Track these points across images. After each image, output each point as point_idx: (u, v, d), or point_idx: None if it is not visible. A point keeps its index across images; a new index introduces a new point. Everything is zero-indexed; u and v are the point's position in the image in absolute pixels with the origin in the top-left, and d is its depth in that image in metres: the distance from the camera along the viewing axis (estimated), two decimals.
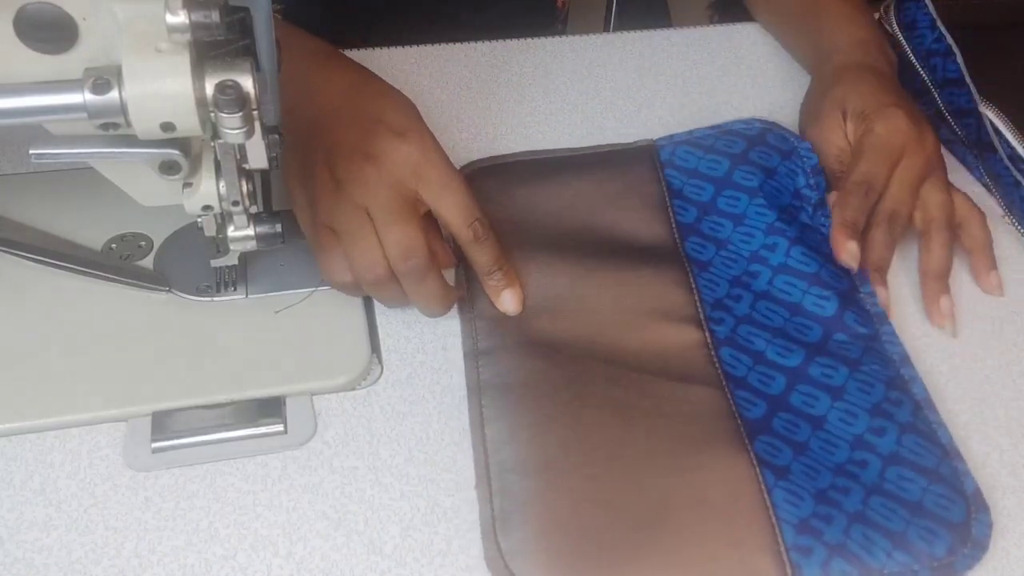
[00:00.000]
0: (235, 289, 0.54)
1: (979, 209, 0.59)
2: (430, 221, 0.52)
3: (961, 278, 0.58)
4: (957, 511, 0.45)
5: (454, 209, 0.51)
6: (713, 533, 0.44)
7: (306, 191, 0.52)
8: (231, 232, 0.50)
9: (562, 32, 0.89)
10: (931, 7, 0.65)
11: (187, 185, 0.47)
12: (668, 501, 0.45)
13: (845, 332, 0.52)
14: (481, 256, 0.52)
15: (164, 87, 0.39)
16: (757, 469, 0.46)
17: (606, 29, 1.00)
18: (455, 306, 0.54)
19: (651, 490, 0.45)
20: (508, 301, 0.53)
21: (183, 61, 0.39)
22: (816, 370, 0.50)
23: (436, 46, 0.71)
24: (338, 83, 0.53)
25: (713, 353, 0.51)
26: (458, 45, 0.72)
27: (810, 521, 0.44)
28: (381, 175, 0.49)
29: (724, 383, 0.50)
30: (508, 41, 0.74)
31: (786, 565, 0.43)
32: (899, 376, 0.50)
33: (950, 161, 0.66)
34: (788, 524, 0.44)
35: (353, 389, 0.51)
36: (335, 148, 0.51)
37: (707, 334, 0.52)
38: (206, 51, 0.41)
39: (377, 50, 0.71)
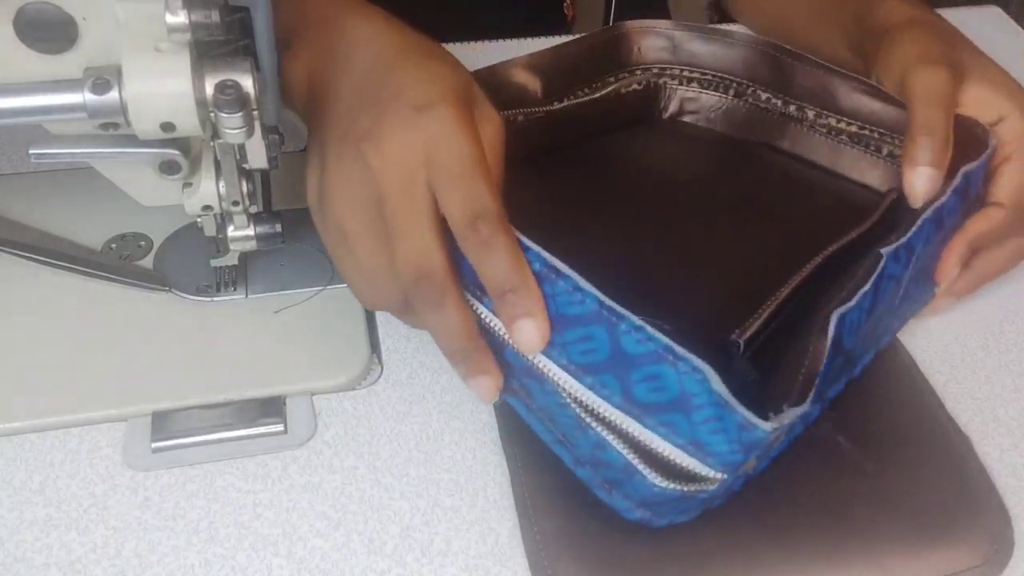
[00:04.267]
0: (235, 289, 0.54)
1: None
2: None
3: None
4: None
5: (459, 201, 0.39)
6: None
7: (318, 185, 0.44)
8: (231, 232, 0.50)
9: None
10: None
11: (187, 185, 0.47)
12: None
13: None
14: (487, 267, 0.39)
15: (164, 87, 0.39)
16: None
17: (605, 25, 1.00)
18: None
19: None
20: (526, 333, 0.38)
21: (183, 61, 0.39)
22: None
23: None
24: (373, 48, 0.44)
25: None
26: (458, 45, 0.72)
27: None
28: (385, 167, 0.40)
29: None
30: (508, 41, 0.74)
31: None
32: None
33: None
34: None
35: (353, 389, 0.51)
36: (341, 134, 0.42)
37: None
38: (206, 51, 0.41)
39: None
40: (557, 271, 0.39)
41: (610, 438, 0.39)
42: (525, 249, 0.40)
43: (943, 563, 0.43)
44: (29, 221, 0.57)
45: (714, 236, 0.58)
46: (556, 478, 0.45)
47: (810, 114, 0.62)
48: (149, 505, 0.45)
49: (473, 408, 0.50)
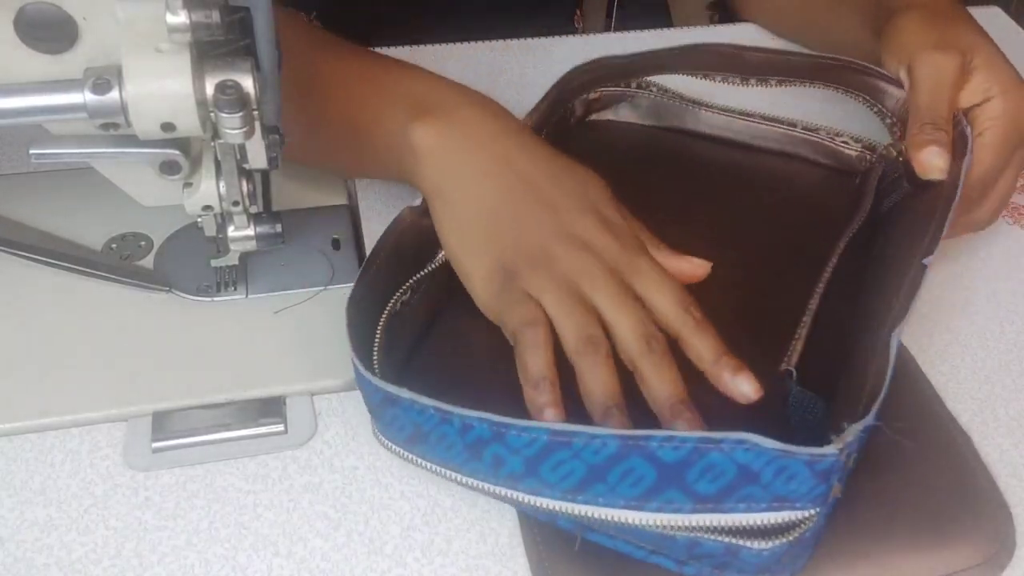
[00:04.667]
0: (235, 289, 0.54)
1: None
2: None
3: (963, 278, 0.58)
4: None
5: (670, 295, 0.48)
6: None
7: (492, 259, 0.50)
8: (231, 232, 0.50)
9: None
10: None
11: (187, 185, 0.47)
12: None
13: None
14: (704, 343, 0.47)
15: (164, 87, 0.39)
16: None
17: (607, 28, 1.00)
18: None
19: None
20: (746, 384, 0.46)
21: (183, 61, 0.39)
22: None
23: (438, 46, 0.71)
24: (539, 155, 0.52)
25: None
26: (459, 45, 0.72)
27: None
28: (600, 262, 0.48)
29: None
30: (510, 41, 0.74)
31: None
32: None
33: None
34: None
35: (353, 389, 0.51)
36: (544, 226, 0.50)
37: None
38: (206, 51, 0.41)
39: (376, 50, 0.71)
40: (568, 432, 0.38)
41: (699, 535, 0.39)
42: (524, 430, 0.39)
43: (944, 562, 0.43)
44: (29, 221, 0.57)
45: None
46: None
47: (772, 82, 0.62)
48: (149, 505, 0.45)
49: None
